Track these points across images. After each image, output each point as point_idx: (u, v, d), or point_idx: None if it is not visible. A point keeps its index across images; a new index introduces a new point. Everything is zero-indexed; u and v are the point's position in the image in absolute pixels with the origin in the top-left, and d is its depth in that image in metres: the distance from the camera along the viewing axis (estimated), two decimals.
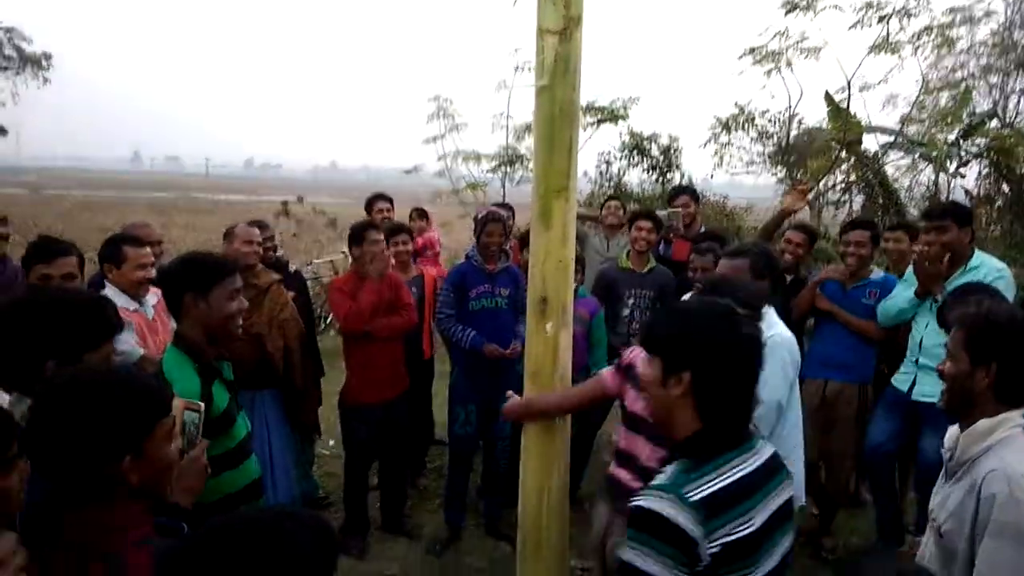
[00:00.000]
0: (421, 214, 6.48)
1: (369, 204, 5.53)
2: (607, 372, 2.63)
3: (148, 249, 3.43)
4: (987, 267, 3.63)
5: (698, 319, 1.59)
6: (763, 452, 1.60)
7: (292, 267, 4.84)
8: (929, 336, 3.68)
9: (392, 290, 4.18)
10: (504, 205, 5.62)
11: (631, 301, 4.62)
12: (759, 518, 1.47)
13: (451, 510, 4.38)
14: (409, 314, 4.22)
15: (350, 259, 4.28)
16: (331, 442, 5.39)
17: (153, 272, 3.38)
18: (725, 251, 3.06)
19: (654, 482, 1.49)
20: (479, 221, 4.24)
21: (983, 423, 1.89)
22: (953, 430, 2.04)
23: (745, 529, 1.44)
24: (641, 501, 1.44)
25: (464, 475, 4.36)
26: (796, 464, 2.80)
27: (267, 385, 3.92)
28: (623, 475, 2.51)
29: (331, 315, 9.70)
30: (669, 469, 1.52)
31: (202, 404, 2.05)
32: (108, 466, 1.45)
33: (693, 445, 1.53)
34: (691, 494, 1.42)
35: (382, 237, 4.18)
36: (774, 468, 1.60)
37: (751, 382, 1.56)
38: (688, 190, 5.76)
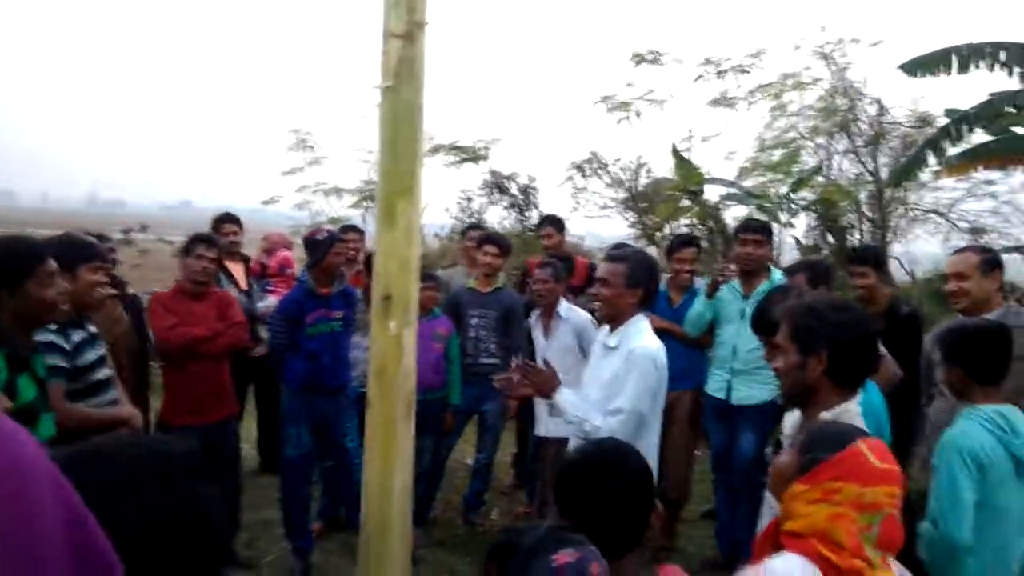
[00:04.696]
0: (264, 238, 6.31)
1: (216, 225, 5.36)
2: None
3: None
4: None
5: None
6: None
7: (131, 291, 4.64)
8: (743, 342, 4.02)
9: (221, 307, 4.09)
10: (353, 227, 5.61)
11: (474, 321, 4.69)
12: None
13: (296, 538, 4.21)
14: (237, 332, 4.10)
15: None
16: None
17: None
18: (607, 254, 3.17)
19: None
20: (321, 243, 4.13)
21: (825, 416, 1.92)
22: (793, 416, 2.13)
23: None
24: None
25: (303, 498, 4.22)
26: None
27: None
28: None
29: None
30: None
31: (5, 398, 1.93)
32: None
33: None
34: None
35: (212, 254, 4.09)
36: None
37: None
38: (552, 219, 5.78)
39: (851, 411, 1.92)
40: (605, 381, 2.88)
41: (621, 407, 2.78)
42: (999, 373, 2.47)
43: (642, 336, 2.90)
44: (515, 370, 2.90)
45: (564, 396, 2.84)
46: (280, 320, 4.12)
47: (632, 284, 2.91)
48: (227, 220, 5.39)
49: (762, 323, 2.84)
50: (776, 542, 1.56)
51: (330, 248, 4.11)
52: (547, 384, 2.86)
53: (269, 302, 5.07)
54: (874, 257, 3.96)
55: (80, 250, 2.93)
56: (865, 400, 2.24)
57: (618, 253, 3.08)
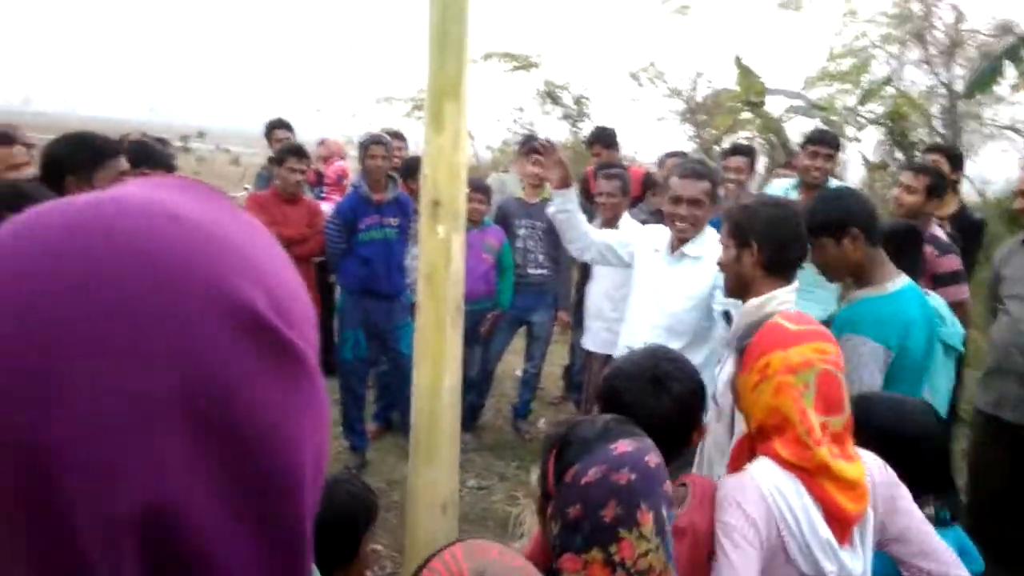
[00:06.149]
0: (321, 142, 6.31)
1: (269, 131, 5.40)
2: None
3: (20, 148, 2.88)
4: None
5: None
6: None
7: None
8: None
9: (310, 214, 4.50)
10: (395, 134, 5.61)
11: (522, 232, 4.65)
12: None
13: (353, 435, 4.40)
14: (317, 240, 4.38)
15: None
16: None
17: (27, 173, 3.16)
18: (685, 170, 2.94)
19: None
20: (361, 145, 4.28)
21: (753, 300, 2.10)
22: (736, 305, 2.31)
23: None
24: None
25: (359, 399, 4.39)
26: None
27: None
28: None
29: None
30: None
31: None
32: None
33: None
34: None
35: (303, 165, 4.48)
36: None
37: None
38: (601, 136, 5.59)
39: (778, 297, 2.07)
40: (695, 292, 2.80)
41: None
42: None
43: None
44: None
45: None
46: (335, 225, 4.21)
47: (714, 200, 2.91)
48: (279, 126, 5.44)
49: (816, 220, 2.73)
50: (751, 449, 1.58)
51: (366, 150, 4.19)
52: None
53: (326, 209, 5.14)
54: (950, 151, 3.86)
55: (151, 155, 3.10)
56: (893, 309, 2.25)
57: (700, 169, 2.95)
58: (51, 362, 0.38)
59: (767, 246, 2.09)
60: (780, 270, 2.12)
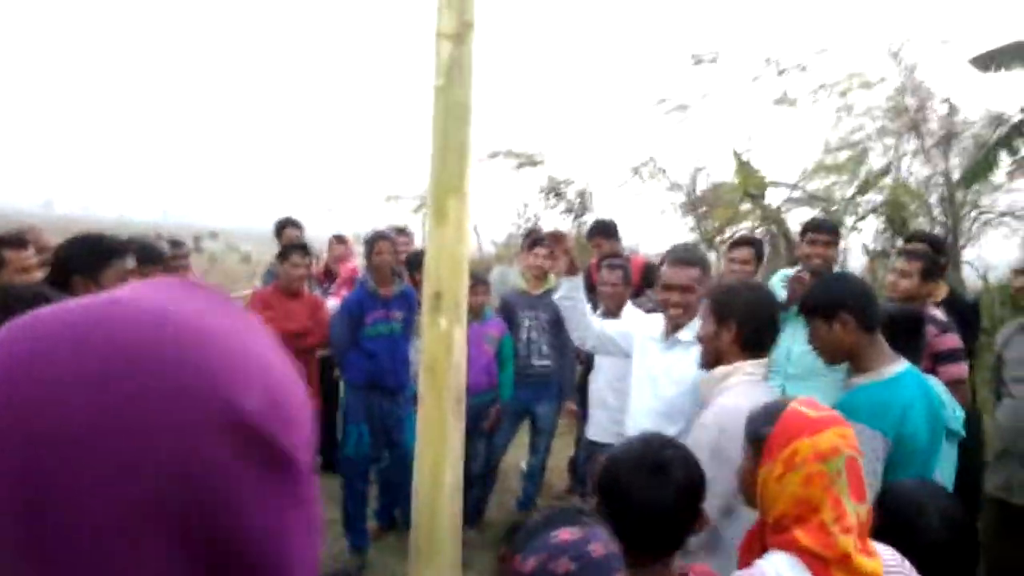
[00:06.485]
0: (340, 240, 6.39)
1: (279, 229, 5.53)
2: None
3: (31, 251, 2.96)
4: None
5: None
6: None
7: None
8: (796, 344, 3.66)
9: (312, 308, 4.57)
10: (400, 229, 5.73)
11: (526, 323, 4.67)
12: None
13: (354, 534, 4.31)
14: (319, 333, 4.43)
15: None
16: None
17: (38, 276, 3.22)
18: (675, 258, 3.00)
19: None
20: (368, 241, 4.35)
21: (719, 369, 2.25)
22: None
23: None
24: None
25: (362, 496, 4.31)
26: None
27: None
28: None
29: None
30: None
31: None
32: None
33: None
34: None
35: (307, 261, 4.61)
36: None
37: None
38: (600, 228, 5.58)
39: (742, 368, 2.21)
40: (688, 376, 2.75)
41: None
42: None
43: None
44: None
45: None
46: (342, 319, 4.24)
47: (703, 284, 2.92)
48: (289, 225, 5.57)
49: (810, 303, 2.62)
50: (762, 543, 1.53)
51: (372, 247, 4.25)
52: None
53: (332, 304, 5.18)
54: (932, 237, 3.94)
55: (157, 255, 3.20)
56: (889, 396, 2.24)
57: (686, 256, 3.00)
58: (38, 465, 0.38)
59: (744, 326, 2.24)
60: (753, 348, 2.26)
